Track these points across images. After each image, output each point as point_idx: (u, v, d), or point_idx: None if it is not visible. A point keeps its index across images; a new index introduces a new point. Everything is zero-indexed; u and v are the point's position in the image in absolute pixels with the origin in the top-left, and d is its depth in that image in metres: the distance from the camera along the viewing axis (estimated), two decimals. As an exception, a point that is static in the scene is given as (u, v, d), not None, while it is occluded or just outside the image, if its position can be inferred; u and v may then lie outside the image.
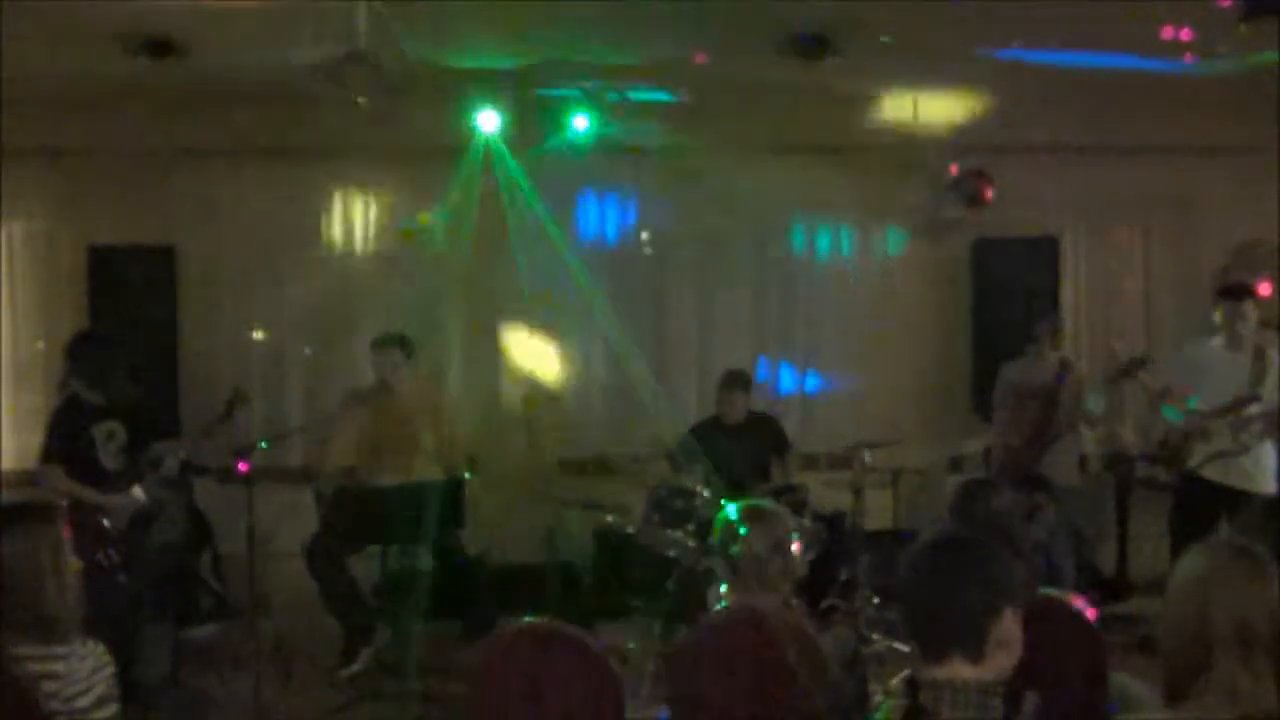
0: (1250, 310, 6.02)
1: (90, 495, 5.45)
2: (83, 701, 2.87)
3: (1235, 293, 6.10)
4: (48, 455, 5.65)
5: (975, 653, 2.33)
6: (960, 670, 2.34)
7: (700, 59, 6.27)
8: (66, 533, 3.03)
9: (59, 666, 2.86)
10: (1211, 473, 5.97)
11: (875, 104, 7.15)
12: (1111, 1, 5.36)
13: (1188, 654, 2.36)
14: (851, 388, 7.60)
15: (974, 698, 2.33)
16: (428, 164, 7.45)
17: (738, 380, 6.90)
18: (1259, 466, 5.94)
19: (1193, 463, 6.03)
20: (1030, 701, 2.40)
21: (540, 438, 7.57)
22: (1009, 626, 2.36)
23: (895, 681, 2.38)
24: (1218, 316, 6.08)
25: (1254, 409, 5.89)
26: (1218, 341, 6.11)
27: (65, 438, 5.61)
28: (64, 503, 5.34)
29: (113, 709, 2.94)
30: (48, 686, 2.83)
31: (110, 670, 2.97)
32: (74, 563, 3.02)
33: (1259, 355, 5.98)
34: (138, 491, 5.50)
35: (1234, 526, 5.82)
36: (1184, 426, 6.04)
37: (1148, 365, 6.16)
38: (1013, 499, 3.58)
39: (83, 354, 5.75)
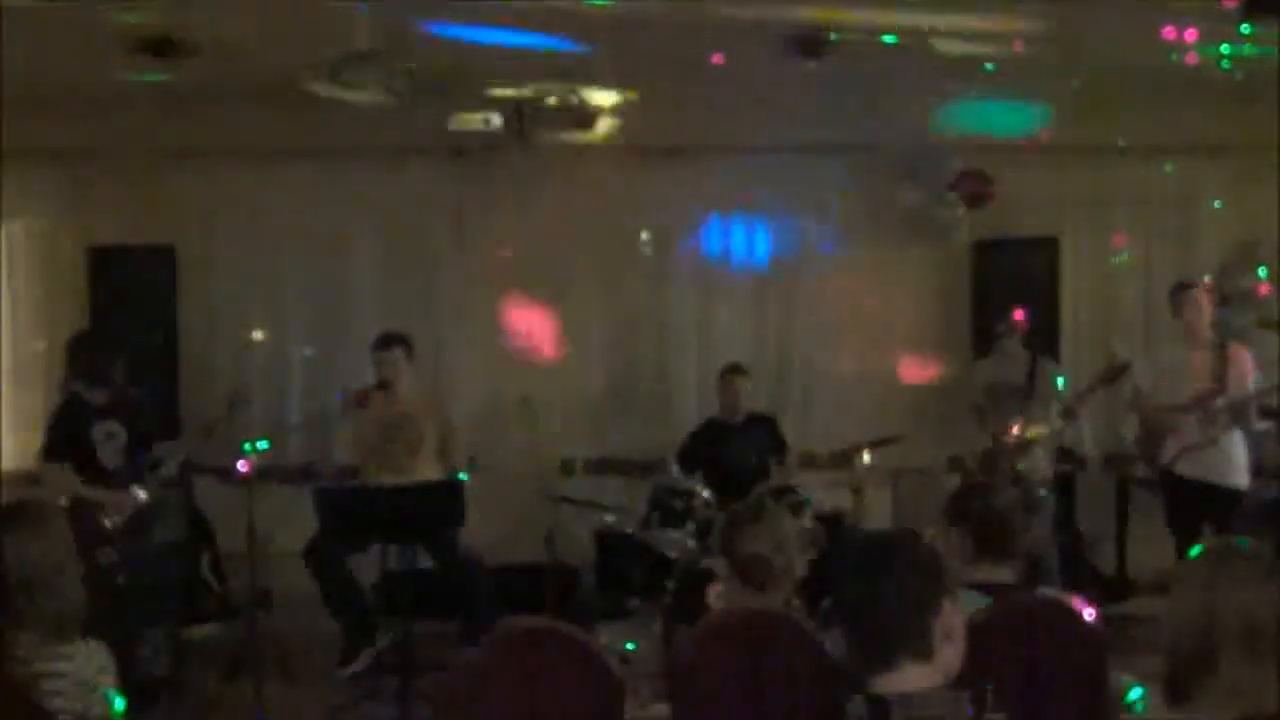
0: (1200, 301, 6.13)
1: (91, 493, 5.46)
2: (86, 701, 2.88)
3: (1188, 289, 6.23)
4: (48, 454, 5.66)
5: (924, 650, 2.30)
6: (913, 674, 2.30)
7: (717, 59, 6.26)
8: (68, 531, 3.03)
9: (63, 665, 2.87)
10: (1185, 468, 6.06)
11: (875, 104, 7.14)
12: (1112, 1, 5.36)
13: (1192, 653, 2.36)
14: (851, 387, 7.60)
15: (949, 703, 2.30)
16: (428, 164, 7.46)
17: (736, 371, 6.90)
18: (1229, 460, 6.02)
19: (1164, 459, 6.13)
20: (990, 694, 2.39)
21: (540, 438, 7.57)
22: (950, 618, 2.34)
23: (854, 704, 2.34)
24: (1175, 313, 6.22)
25: (1219, 402, 5.96)
26: (1181, 340, 6.23)
27: (66, 437, 5.63)
28: (64, 501, 5.40)
29: (116, 709, 2.94)
30: (52, 685, 2.83)
31: (114, 671, 2.98)
32: (76, 565, 3.02)
33: (1221, 349, 6.06)
34: (138, 491, 5.51)
35: (1217, 527, 5.89)
36: (1154, 422, 6.14)
37: (1129, 371, 6.24)
38: (1011, 497, 3.57)
39: (82, 354, 5.76)
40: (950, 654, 2.33)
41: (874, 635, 2.35)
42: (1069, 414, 6.40)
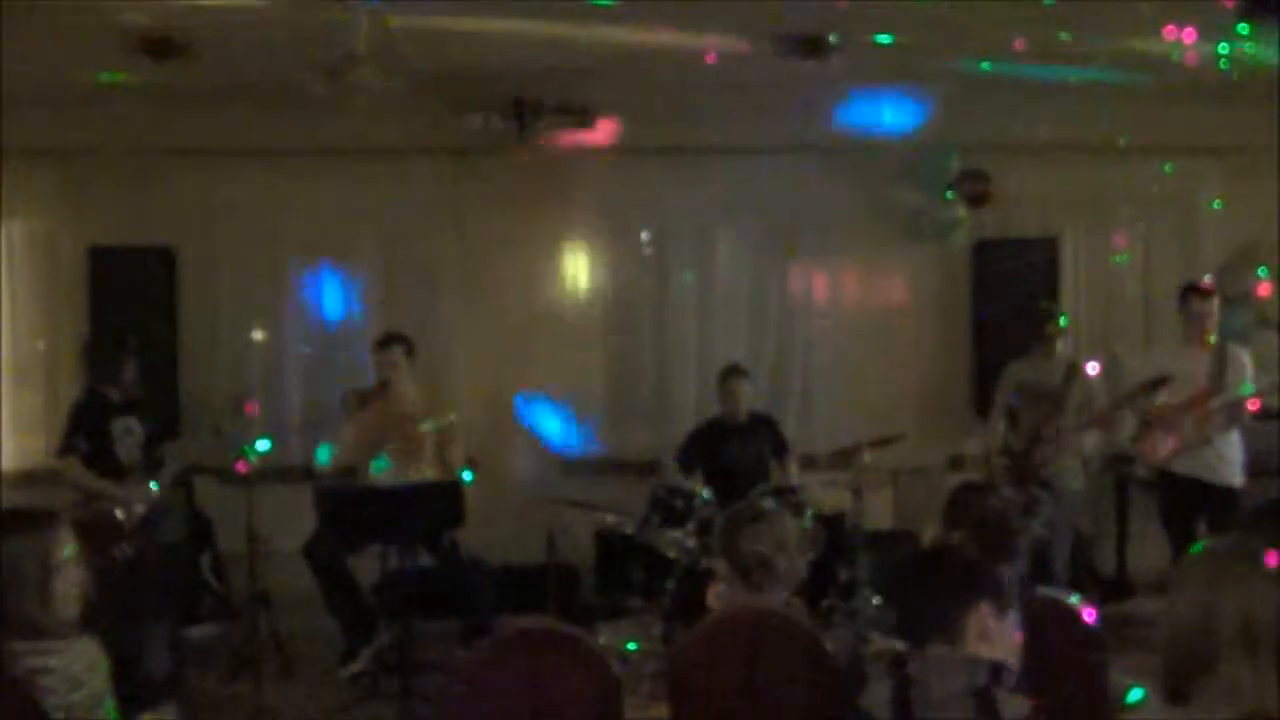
0: (1212, 308, 6.12)
1: (108, 488, 5.52)
2: (77, 697, 2.89)
3: (1198, 292, 6.20)
4: (66, 448, 5.72)
5: (953, 638, 2.49)
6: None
7: (711, 59, 6.26)
8: (66, 537, 3.04)
9: (53, 662, 2.88)
10: (1181, 467, 6.07)
11: (875, 104, 7.15)
12: (1113, 1, 5.36)
13: (1191, 653, 2.35)
14: (851, 387, 7.59)
15: (962, 666, 2.45)
16: (428, 164, 7.46)
17: (737, 373, 6.91)
18: (1224, 459, 6.02)
19: (1159, 457, 6.13)
20: (1010, 676, 2.46)
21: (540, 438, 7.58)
22: (987, 620, 2.44)
23: (882, 663, 2.51)
24: (1181, 314, 6.20)
25: (1215, 402, 5.97)
26: (1182, 340, 6.21)
27: (84, 432, 5.68)
28: (79, 495, 5.46)
29: (108, 705, 2.95)
30: (43, 682, 2.85)
31: (105, 668, 2.99)
32: (72, 568, 3.02)
33: (1220, 350, 6.06)
34: (153, 487, 5.55)
35: (1212, 526, 5.89)
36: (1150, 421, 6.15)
37: (1168, 384, 6.22)
38: (1009, 498, 3.57)
39: (101, 351, 5.84)
40: (984, 652, 2.48)
41: (908, 618, 2.63)
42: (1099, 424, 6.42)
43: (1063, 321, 6.62)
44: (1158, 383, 6.15)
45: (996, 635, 2.48)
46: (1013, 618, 2.57)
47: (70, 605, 2.98)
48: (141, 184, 7.21)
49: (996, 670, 2.46)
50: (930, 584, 2.62)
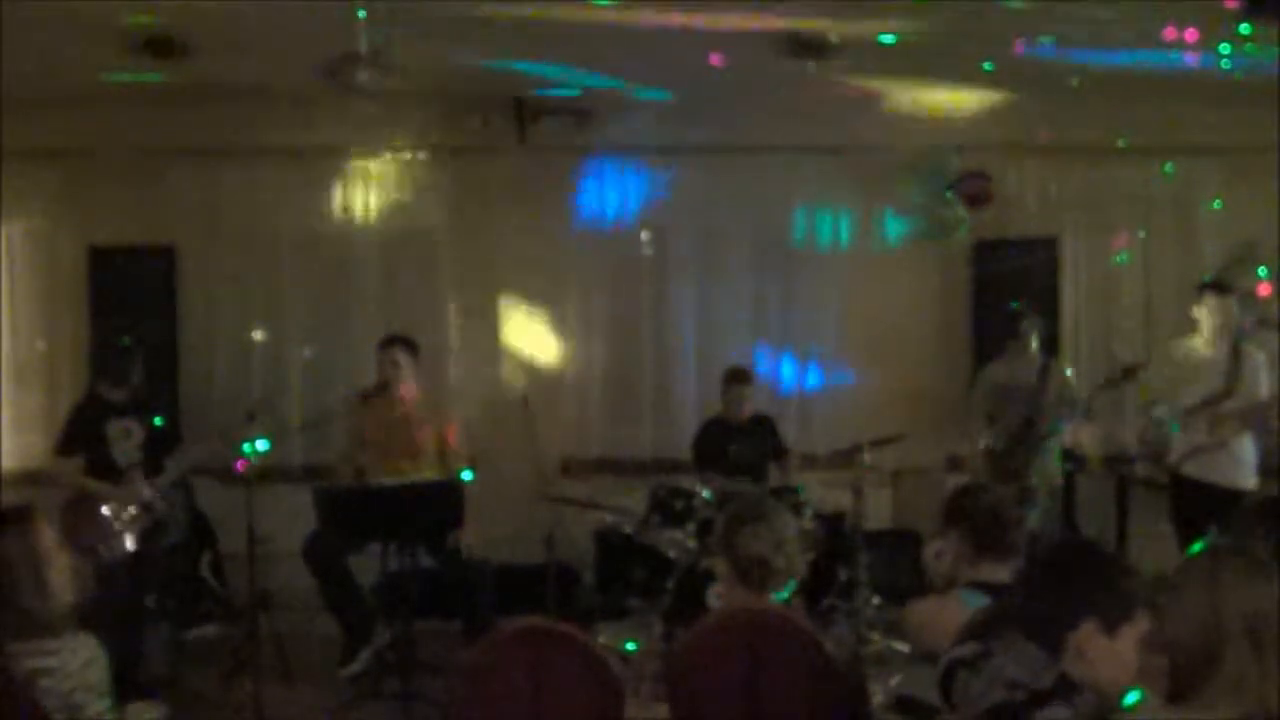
0: (1230, 307, 6.07)
1: (99, 488, 5.52)
2: (79, 695, 2.89)
3: (1216, 290, 6.15)
4: (61, 448, 5.73)
5: (1052, 651, 2.41)
6: None
7: (715, 60, 6.26)
8: (46, 526, 3.05)
9: (53, 661, 2.89)
10: (1193, 470, 6.01)
11: (875, 104, 7.15)
12: (1113, 1, 5.36)
13: (1195, 651, 2.35)
14: (851, 387, 7.59)
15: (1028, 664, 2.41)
16: (428, 164, 7.46)
17: (741, 376, 6.91)
18: (1237, 462, 5.97)
19: (1171, 459, 6.10)
20: (1084, 698, 2.43)
21: (540, 438, 7.57)
22: (1092, 639, 2.38)
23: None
24: (1197, 313, 6.14)
25: (1229, 404, 5.92)
26: (1197, 339, 6.16)
27: (81, 432, 5.68)
28: (71, 494, 5.45)
29: (108, 701, 2.96)
30: (44, 683, 2.85)
31: (103, 662, 2.99)
32: (59, 555, 3.03)
33: (1236, 351, 6.01)
34: (144, 489, 5.55)
35: (1222, 529, 5.84)
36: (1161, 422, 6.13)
37: (1140, 373, 6.23)
38: (1002, 493, 3.57)
39: (105, 353, 5.85)
40: (1080, 673, 2.40)
41: (1024, 618, 2.54)
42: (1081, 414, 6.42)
43: (1031, 320, 6.62)
44: (1130, 371, 6.15)
45: (1100, 655, 2.40)
46: (1128, 633, 2.46)
47: (66, 594, 2.99)
48: (141, 184, 7.21)
49: (1066, 686, 2.37)
50: (1044, 586, 2.53)
